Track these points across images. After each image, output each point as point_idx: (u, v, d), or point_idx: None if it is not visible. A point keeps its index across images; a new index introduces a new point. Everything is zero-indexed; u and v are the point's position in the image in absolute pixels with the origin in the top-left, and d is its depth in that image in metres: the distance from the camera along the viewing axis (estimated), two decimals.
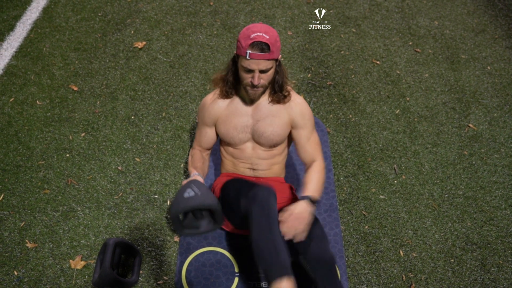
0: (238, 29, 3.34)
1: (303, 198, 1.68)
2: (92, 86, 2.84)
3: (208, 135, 1.90)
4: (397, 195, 2.31)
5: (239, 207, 1.67)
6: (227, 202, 1.79)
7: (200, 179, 1.67)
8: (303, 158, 1.86)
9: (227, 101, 1.81)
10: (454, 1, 3.78)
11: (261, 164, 1.91)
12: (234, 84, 1.76)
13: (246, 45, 1.55)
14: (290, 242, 1.64)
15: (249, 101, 1.78)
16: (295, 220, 1.60)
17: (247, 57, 1.56)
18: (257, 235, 1.55)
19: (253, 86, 1.65)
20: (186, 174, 2.33)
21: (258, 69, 1.60)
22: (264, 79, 1.64)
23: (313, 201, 1.68)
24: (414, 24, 3.49)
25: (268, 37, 1.55)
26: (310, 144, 1.84)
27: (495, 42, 3.36)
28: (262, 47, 1.55)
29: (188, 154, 1.94)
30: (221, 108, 1.82)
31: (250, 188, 1.66)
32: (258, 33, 1.55)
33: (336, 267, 1.66)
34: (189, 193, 1.49)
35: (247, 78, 1.64)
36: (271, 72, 1.64)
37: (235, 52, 1.65)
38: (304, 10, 3.57)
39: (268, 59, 1.58)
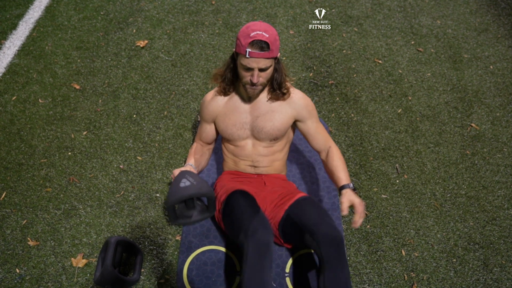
0: (240, 28, 3.33)
1: (345, 186, 1.70)
2: (94, 84, 2.84)
3: (207, 131, 1.95)
4: (399, 194, 2.31)
5: (238, 236, 1.66)
6: (228, 216, 1.78)
7: (192, 169, 1.72)
8: (317, 147, 1.90)
9: (226, 98, 1.84)
10: (456, 0, 3.77)
11: (262, 161, 1.92)
12: (232, 81, 1.78)
13: (246, 44, 1.56)
14: (297, 226, 1.69)
15: (247, 98, 1.80)
16: (363, 209, 1.61)
17: (247, 56, 1.57)
18: (248, 275, 1.54)
19: (252, 84, 1.66)
20: None
21: (258, 68, 1.61)
22: (263, 77, 1.66)
23: (354, 187, 1.71)
24: (416, 23, 3.48)
25: (267, 35, 1.55)
26: (319, 133, 1.88)
27: (497, 41, 3.35)
28: (262, 45, 1.56)
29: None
30: (220, 106, 1.85)
31: (252, 217, 1.64)
32: (258, 32, 1.55)
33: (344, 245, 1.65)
34: (184, 182, 1.51)
35: (246, 76, 1.65)
36: (270, 70, 1.65)
37: (234, 49, 1.65)
38: (306, 9, 3.56)
39: (268, 58, 1.59)
